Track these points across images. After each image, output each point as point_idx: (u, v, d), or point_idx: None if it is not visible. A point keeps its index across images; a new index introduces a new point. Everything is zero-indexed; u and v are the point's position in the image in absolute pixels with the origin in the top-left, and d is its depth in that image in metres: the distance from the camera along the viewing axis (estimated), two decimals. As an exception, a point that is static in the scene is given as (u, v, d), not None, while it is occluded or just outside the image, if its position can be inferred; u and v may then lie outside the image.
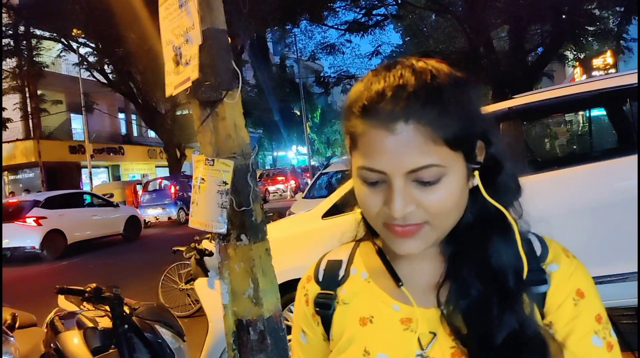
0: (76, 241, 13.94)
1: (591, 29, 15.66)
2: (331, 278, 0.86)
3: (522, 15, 13.92)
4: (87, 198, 15.53)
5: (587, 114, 7.69)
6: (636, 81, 3.31)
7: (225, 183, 2.15)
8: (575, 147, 14.72)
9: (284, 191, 28.89)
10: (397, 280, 0.79)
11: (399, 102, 0.65)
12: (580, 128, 16.48)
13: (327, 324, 0.83)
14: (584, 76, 17.96)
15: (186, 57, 2.20)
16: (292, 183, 29.27)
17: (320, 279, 0.87)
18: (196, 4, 2.12)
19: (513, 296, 0.69)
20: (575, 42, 16.30)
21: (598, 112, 8.33)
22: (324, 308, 0.84)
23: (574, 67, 20.89)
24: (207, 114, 2.20)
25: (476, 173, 0.73)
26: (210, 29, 2.15)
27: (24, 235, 12.87)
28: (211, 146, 2.21)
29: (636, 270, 2.89)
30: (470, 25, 15.71)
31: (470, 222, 0.74)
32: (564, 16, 14.51)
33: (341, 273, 0.86)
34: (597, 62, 19.11)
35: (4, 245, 12.80)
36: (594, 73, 17.83)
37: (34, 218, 13.03)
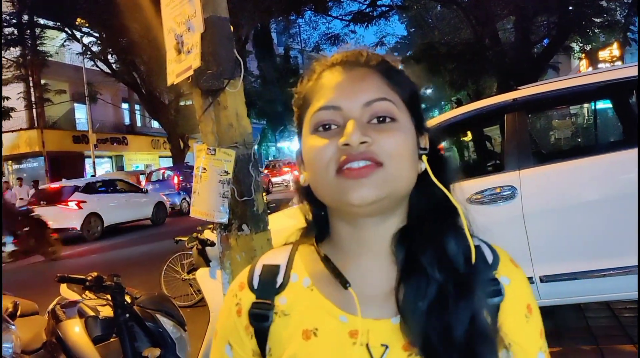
0: (111, 224, 14.92)
1: (598, 20, 15.52)
2: (268, 285, 0.77)
3: (528, 6, 13.83)
4: (120, 184, 16.43)
5: (593, 107, 7.63)
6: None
7: (227, 173, 2.14)
8: (579, 139, 14.64)
9: (289, 182, 28.87)
10: (343, 282, 0.71)
11: (355, 57, 0.74)
12: (585, 120, 16.37)
13: (261, 338, 0.74)
14: (590, 68, 17.81)
15: (188, 46, 2.19)
16: (297, 173, 29.20)
17: (256, 286, 0.77)
18: (198, -9, 2.10)
19: (465, 281, 0.68)
20: (581, 33, 16.17)
21: (604, 104, 8.27)
22: (260, 320, 0.74)
23: (580, 59, 20.73)
24: (208, 103, 2.19)
25: (424, 157, 0.74)
26: (213, 16, 2.13)
27: (67, 217, 13.81)
28: (213, 135, 2.20)
29: (636, 263, 2.88)
30: (476, 16, 15.63)
31: (419, 214, 0.73)
32: (570, 7, 14.40)
33: (279, 279, 0.77)
34: (603, 54, 18.95)
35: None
36: (600, 65, 17.67)
37: (76, 202, 14.07)
